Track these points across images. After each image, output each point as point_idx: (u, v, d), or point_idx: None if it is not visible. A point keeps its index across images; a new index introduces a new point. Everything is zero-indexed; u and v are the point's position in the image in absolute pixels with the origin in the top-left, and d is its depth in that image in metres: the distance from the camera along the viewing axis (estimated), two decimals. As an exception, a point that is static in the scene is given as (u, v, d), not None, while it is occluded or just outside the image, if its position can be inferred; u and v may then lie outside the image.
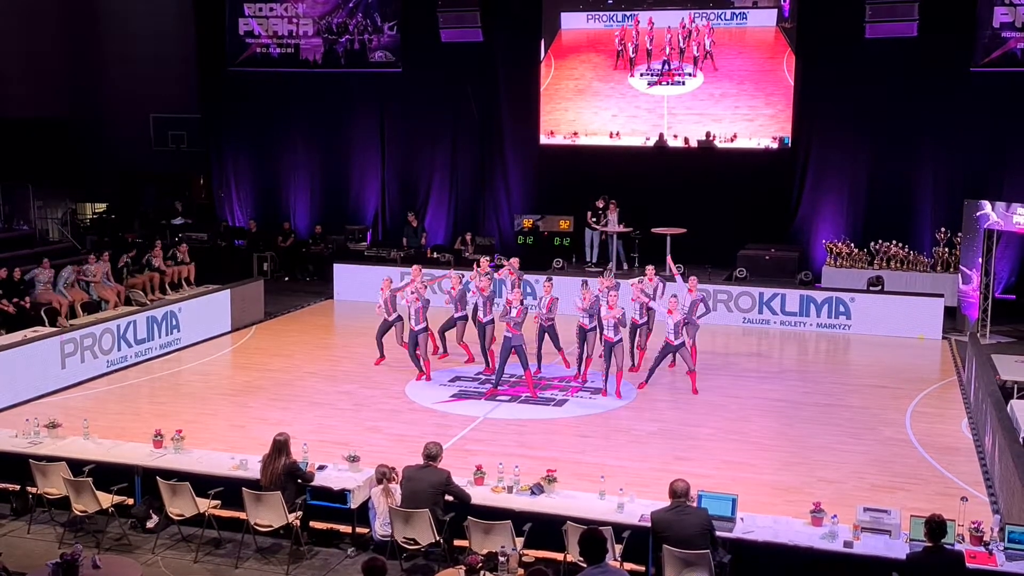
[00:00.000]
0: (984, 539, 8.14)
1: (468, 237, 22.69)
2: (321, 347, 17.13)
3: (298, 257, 23.63)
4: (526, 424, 12.93)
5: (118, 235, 24.08)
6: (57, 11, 25.49)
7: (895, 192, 21.02)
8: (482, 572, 7.40)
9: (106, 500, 9.41)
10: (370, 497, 9.19)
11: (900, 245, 20.19)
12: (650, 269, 15.81)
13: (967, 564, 7.70)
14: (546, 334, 14.91)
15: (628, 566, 8.48)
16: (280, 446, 9.23)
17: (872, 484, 10.82)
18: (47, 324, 16.90)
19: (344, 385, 14.62)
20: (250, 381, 14.87)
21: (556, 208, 22.44)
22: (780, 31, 21.33)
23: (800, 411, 13.60)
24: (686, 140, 22.05)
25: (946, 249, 19.77)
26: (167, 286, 20.38)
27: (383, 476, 9.11)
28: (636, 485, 9.54)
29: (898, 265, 20.00)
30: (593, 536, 7.09)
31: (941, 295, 18.19)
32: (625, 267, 21.21)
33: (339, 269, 21.15)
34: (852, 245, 20.55)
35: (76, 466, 9.78)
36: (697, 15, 21.68)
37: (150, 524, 9.67)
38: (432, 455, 9.03)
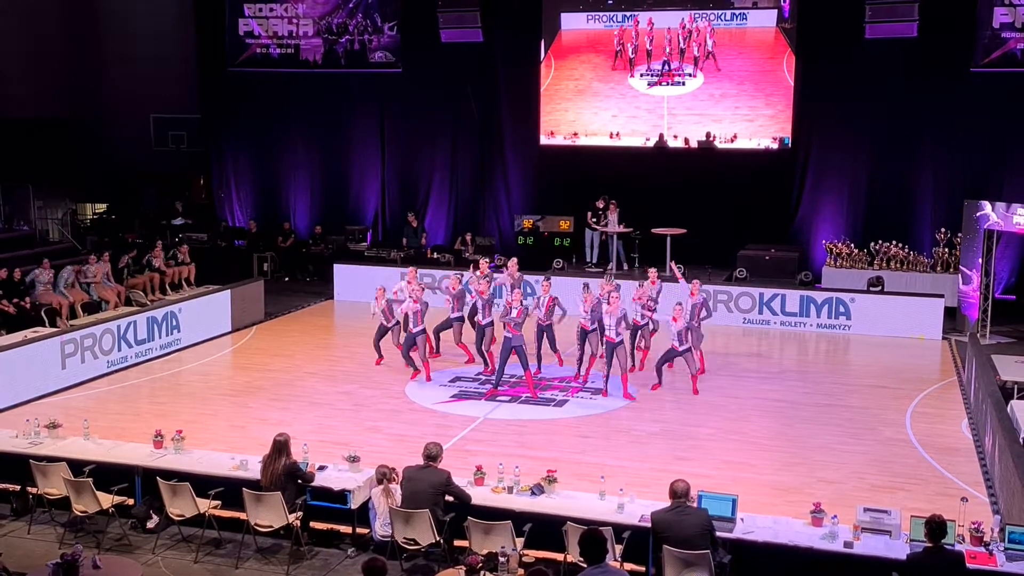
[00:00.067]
0: (984, 539, 8.14)
1: (468, 237, 22.69)
2: (321, 347, 17.14)
3: (298, 257, 23.63)
4: (526, 424, 12.93)
5: (118, 235, 24.09)
6: (57, 11, 25.49)
7: (895, 192, 21.02)
8: (482, 572, 7.40)
9: (106, 500, 9.41)
10: (370, 497, 9.19)
11: (900, 245, 20.19)
12: (652, 272, 15.81)
13: (967, 564, 7.70)
14: (544, 334, 14.91)
15: (628, 566, 8.49)
16: (280, 446, 9.24)
17: (872, 484, 10.82)
18: (47, 324, 16.91)
19: (344, 385, 14.62)
20: (250, 381, 14.87)
21: (556, 208, 22.44)
22: (780, 31, 21.33)
23: (800, 411, 13.61)
24: (686, 140, 22.05)
25: (946, 249, 19.77)
26: (167, 286, 20.39)
27: (383, 476, 9.11)
28: (636, 485, 9.55)
29: (898, 265, 20.00)
30: (593, 536, 7.09)
31: (941, 295, 18.19)
32: (625, 267, 21.21)
33: (339, 269, 21.15)
34: (852, 245, 20.55)
35: (76, 466, 9.79)
36: (697, 15, 21.69)
37: (150, 524, 9.68)
38: (432, 455, 9.03)
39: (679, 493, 8.10)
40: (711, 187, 21.53)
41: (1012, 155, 20.08)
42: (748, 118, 21.70)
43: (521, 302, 14.11)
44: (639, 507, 8.89)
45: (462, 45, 22.60)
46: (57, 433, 10.62)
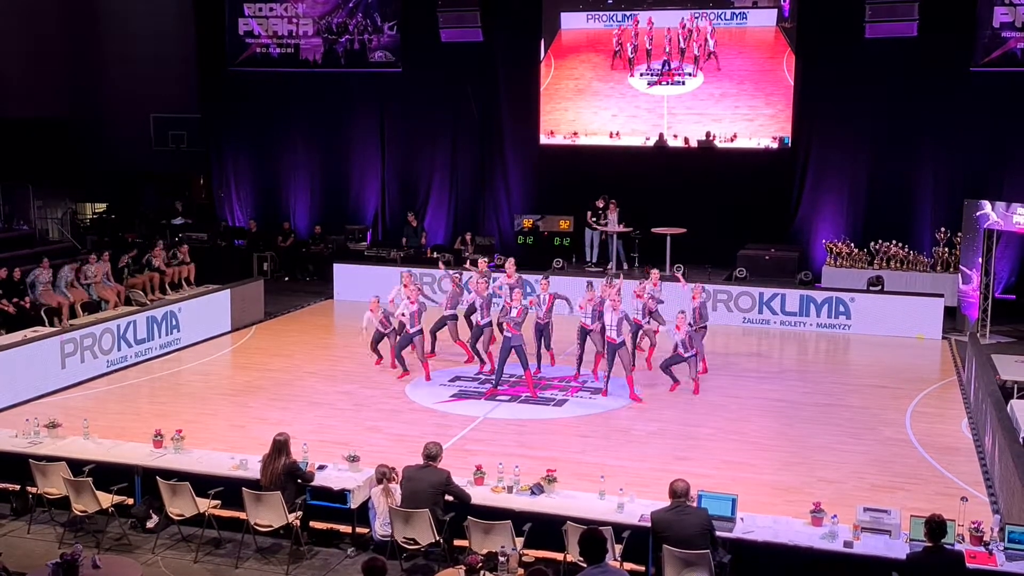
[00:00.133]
0: (984, 539, 8.14)
1: (468, 237, 22.68)
2: (321, 347, 17.13)
3: (298, 257, 23.63)
4: (526, 424, 12.93)
5: (118, 235, 24.10)
6: (57, 11, 25.49)
7: (895, 192, 21.01)
8: (482, 572, 7.39)
9: (106, 500, 9.41)
10: (370, 497, 9.19)
11: (900, 245, 20.19)
12: (654, 272, 15.80)
13: (967, 564, 7.70)
14: (542, 333, 14.90)
15: (628, 566, 8.48)
16: (280, 446, 9.23)
17: (872, 484, 10.82)
18: (47, 324, 16.91)
19: (344, 385, 14.62)
20: (250, 381, 14.87)
21: (556, 208, 22.44)
22: (780, 31, 21.33)
23: (800, 411, 13.60)
24: (686, 140, 22.05)
25: (946, 249, 19.76)
26: (167, 286, 20.38)
27: (383, 476, 9.11)
28: (636, 485, 9.54)
29: (898, 265, 20.00)
30: (593, 536, 7.09)
31: (941, 295, 18.19)
32: (625, 267, 21.20)
33: (339, 269, 21.14)
34: (852, 245, 20.54)
35: (76, 466, 9.78)
36: (697, 15, 21.69)
37: (150, 524, 9.67)
38: (432, 455, 9.03)
39: (679, 493, 8.10)
40: (711, 187, 21.53)
41: (1012, 155, 20.08)
42: (748, 118, 21.70)
43: (520, 302, 14.11)
44: (639, 507, 8.89)
45: (462, 45, 22.59)
46: (57, 433, 10.61)
